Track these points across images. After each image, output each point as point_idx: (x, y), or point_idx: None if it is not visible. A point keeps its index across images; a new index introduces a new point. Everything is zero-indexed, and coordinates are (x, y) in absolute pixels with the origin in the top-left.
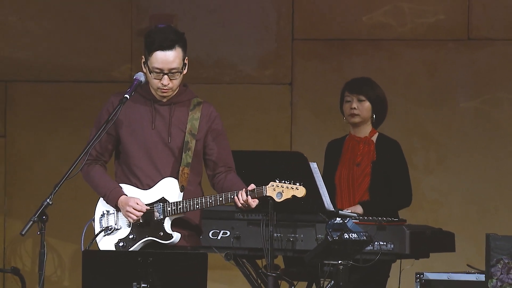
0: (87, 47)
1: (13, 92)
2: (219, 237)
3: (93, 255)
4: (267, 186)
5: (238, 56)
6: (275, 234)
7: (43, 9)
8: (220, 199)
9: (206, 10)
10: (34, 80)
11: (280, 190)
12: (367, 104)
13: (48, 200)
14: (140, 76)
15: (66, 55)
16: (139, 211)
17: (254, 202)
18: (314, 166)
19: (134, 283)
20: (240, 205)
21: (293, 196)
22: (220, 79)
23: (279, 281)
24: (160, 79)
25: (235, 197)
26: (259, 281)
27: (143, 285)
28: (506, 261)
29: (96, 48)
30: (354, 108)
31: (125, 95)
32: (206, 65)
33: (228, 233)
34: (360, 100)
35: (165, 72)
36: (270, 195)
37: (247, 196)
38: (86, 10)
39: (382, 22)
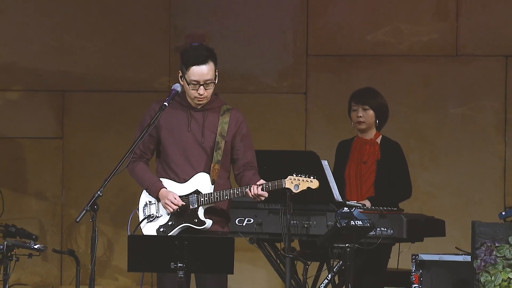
0: (132, 62)
1: (69, 100)
2: (244, 224)
3: (137, 239)
4: (285, 180)
5: (260, 70)
6: (291, 221)
7: (95, 29)
8: (237, 192)
9: (233, 30)
10: (87, 90)
11: (297, 183)
12: (370, 112)
13: (99, 192)
14: (177, 87)
15: (114, 69)
16: (175, 203)
17: (265, 194)
18: (325, 163)
19: (172, 263)
20: (251, 196)
21: (308, 187)
22: (245, 89)
23: (295, 261)
24: (197, 90)
25: (247, 190)
26: (278, 261)
27: (179, 264)
28: (489, 244)
29: (140, 62)
30: (360, 116)
31: (164, 103)
32: (233, 77)
33: (252, 220)
34: (364, 109)
35: (201, 83)
36: (288, 187)
37: (262, 190)
38: (131, 30)
39: (383, 40)
